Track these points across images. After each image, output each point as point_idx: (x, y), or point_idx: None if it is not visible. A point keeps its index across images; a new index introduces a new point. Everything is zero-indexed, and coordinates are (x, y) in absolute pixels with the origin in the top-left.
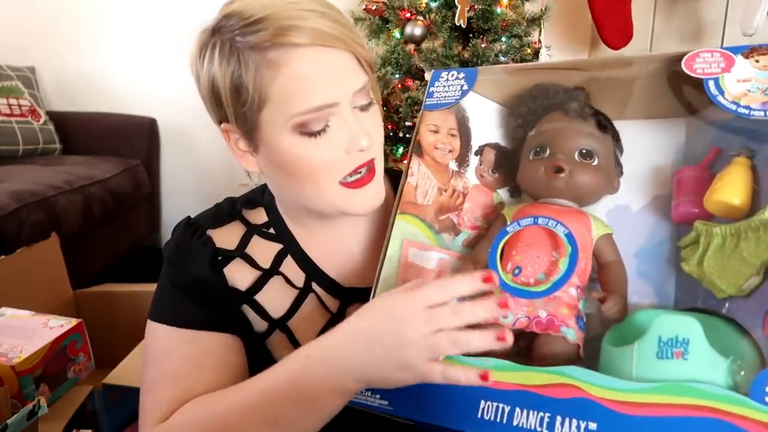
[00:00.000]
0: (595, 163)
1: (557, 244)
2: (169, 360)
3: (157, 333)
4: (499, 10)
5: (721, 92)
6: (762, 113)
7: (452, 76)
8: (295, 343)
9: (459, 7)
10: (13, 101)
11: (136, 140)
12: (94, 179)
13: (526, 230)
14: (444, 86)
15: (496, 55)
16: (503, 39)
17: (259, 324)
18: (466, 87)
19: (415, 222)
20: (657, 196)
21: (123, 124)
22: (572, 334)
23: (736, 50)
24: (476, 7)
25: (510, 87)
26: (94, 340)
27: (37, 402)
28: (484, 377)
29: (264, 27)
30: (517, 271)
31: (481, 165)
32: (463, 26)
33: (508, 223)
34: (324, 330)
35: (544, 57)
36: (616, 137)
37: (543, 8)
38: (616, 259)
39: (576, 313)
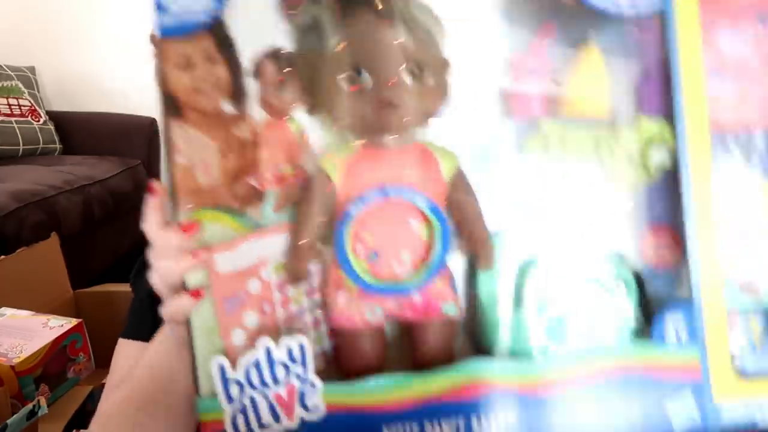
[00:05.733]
0: (429, 78)
1: (412, 209)
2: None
3: (128, 352)
4: None
5: None
6: (632, 10)
7: None
8: None
9: None
10: (13, 101)
11: (136, 140)
12: (94, 179)
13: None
14: None
15: None
16: None
17: None
18: None
19: (210, 216)
20: (487, 84)
21: (123, 124)
22: (453, 307)
23: None
24: None
25: None
26: (94, 340)
27: (37, 402)
28: (195, 294)
29: None
30: (374, 256)
31: (263, 88)
32: None
33: (335, 184)
34: None
35: None
36: (442, 36)
37: None
38: (469, 193)
39: (449, 277)
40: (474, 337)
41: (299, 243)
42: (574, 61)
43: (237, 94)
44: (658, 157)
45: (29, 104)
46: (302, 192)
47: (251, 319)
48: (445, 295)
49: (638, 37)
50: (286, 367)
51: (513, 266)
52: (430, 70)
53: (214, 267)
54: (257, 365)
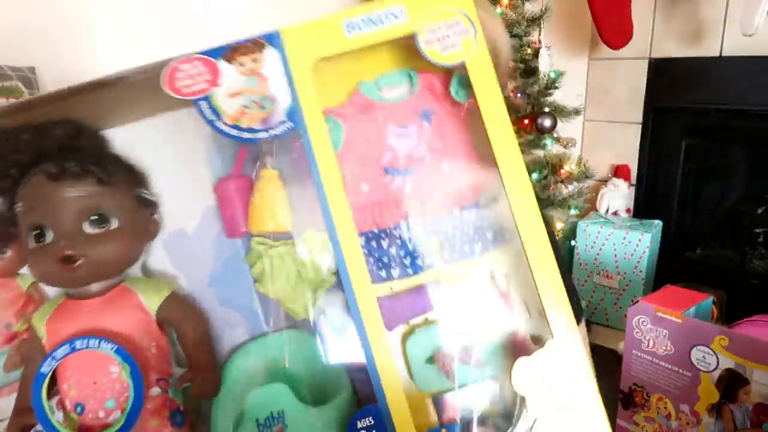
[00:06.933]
0: (115, 225)
1: (108, 355)
2: None
3: None
4: (499, 10)
5: (218, 115)
6: (265, 134)
7: None
8: None
9: None
10: (13, 101)
11: None
12: None
13: (70, 356)
14: None
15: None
16: None
17: None
18: None
19: None
20: (207, 208)
21: None
22: None
23: (215, 54)
24: None
25: None
26: None
27: None
28: None
29: None
30: (80, 409)
31: None
32: None
33: (41, 337)
34: None
35: (544, 57)
36: (132, 177)
37: (543, 8)
38: (185, 320)
39: (169, 410)
40: None
41: (16, 408)
42: (257, 183)
43: None
44: (326, 262)
45: None
46: (28, 350)
47: None
48: (160, 430)
49: (296, 153)
50: None
51: (240, 392)
52: (118, 215)
53: None
54: None
